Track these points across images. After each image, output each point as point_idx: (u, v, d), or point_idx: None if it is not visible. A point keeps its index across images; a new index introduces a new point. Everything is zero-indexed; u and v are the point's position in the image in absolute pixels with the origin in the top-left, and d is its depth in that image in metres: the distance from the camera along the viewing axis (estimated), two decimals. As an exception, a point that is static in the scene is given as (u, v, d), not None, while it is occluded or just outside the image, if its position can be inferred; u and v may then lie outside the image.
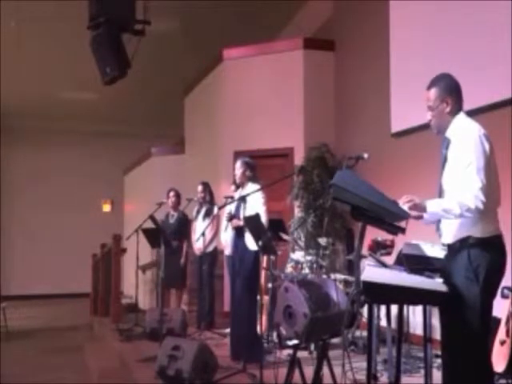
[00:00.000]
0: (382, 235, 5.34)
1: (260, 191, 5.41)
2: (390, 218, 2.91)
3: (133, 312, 8.61)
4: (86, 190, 15.33)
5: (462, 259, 2.89)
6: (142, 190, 12.44)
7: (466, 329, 2.86)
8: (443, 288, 2.89)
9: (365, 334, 5.86)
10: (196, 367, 4.61)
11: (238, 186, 5.82)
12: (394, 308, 3.81)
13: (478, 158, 2.86)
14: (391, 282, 2.89)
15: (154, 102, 13.19)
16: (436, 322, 3.25)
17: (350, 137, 8.24)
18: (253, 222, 4.91)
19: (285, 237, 6.48)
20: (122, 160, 14.39)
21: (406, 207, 2.90)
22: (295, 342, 3.84)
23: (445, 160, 3.03)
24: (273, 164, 8.38)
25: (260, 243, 4.77)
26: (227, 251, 7.15)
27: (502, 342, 4.28)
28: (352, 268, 6.40)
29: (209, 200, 7.59)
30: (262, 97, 8.78)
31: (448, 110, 3.05)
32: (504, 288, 4.11)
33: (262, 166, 7.78)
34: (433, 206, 2.90)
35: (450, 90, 3.05)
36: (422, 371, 4.38)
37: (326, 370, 3.79)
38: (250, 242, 5.26)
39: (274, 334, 6.07)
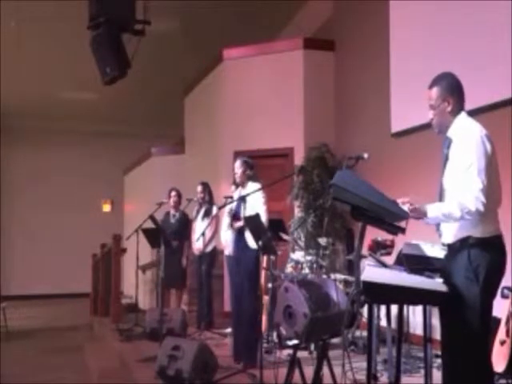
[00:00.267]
0: (382, 235, 5.34)
1: (260, 191, 5.41)
2: (390, 218, 2.91)
3: (133, 312, 8.61)
4: (86, 190, 15.34)
5: (462, 259, 2.89)
6: (142, 190, 12.44)
7: (466, 329, 2.86)
8: (443, 288, 2.89)
9: (365, 334, 5.86)
10: (196, 367, 4.61)
11: (237, 186, 5.82)
12: (394, 308, 3.81)
13: (479, 158, 2.85)
14: (391, 282, 2.89)
15: (154, 102, 13.19)
16: (436, 321, 3.25)
17: (350, 137, 8.24)
18: (253, 222, 4.91)
19: (285, 237, 6.48)
20: (122, 160, 14.39)
21: (405, 207, 2.90)
22: (295, 341, 3.84)
23: (446, 160, 3.03)
24: (273, 164, 8.38)
25: (260, 243, 4.77)
26: (227, 251, 7.16)
27: (502, 342, 4.28)
28: (352, 268, 6.40)
29: (208, 200, 7.59)
30: (262, 97, 8.78)
31: (449, 109, 3.04)
32: (504, 288, 4.11)
33: (262, 166, 7.78)
34: (433, 210, 2.89)
35: (452, 90, 3.05)
36: (422, 371, 4.38)
37: (326, 370, 3.79)
38: (251, 241, 5.25)
39: (274, 334, 6.08)
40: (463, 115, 3.06)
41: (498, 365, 4.16)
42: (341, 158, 7.40)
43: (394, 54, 7.09)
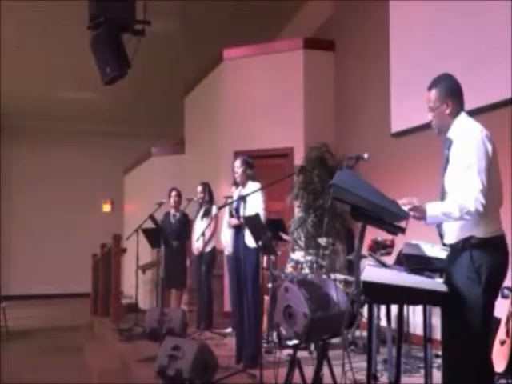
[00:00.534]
0: (382, 235, 5.34)
1: (260, 190, 5.41)
2: (390, 218, 2.91)
3: (133, 312, 8.61)
4: (86, 190, 15.34)
5: (465, 259, 2.88)
6: (142, 190, 12.44)
7: (467, 329, 2.86)
8: (443, 288, 2.89)
9: (365, 334, 5.86)
10: (196, 367, 4.61)
11: (237, 185, 5.82)
12: (394, 308, 3.81)
13: (479, 159, 2.85)
14: (391, 282, 2.89)
15: (154, 102, 13.19)
16: (436, 321, 3.25)
17: (350, 137, 8.23)
18: (253, 221, 4.91)
19: (285, 237, 6.49)
20: (122, 160, 14.39)
21: (406, 207, 2.90)
22: (295, 341, 3.84)
23: (447, 161, 3.03)
24: (273, 164, 8.38)
25: (260, 243, 4.77)
26: (227, 251, 7.17)
27: (502, 342, 4.28)
28: (352, 268, 6.41)
29: (208, 200, 7.59)
30: (262, 97, 8.78)
31: (448, 111, 3.04)
32: (504, 288, 4.11)
33: (262, 165, 7.78)
34: (433, 209, 2.89)
35: (451, 92, 3.05)
36: (422, 371, 4.38)
37: (326, 370, 3.79)
38: (251, 241, 5.24)
39: (274, 334, 6.08)
40: (463, 116, 3.06)
41: (498, 365, 4.16)
42: (341, 158, 7.41)
43: (394, 53, 7.09)
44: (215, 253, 7.64)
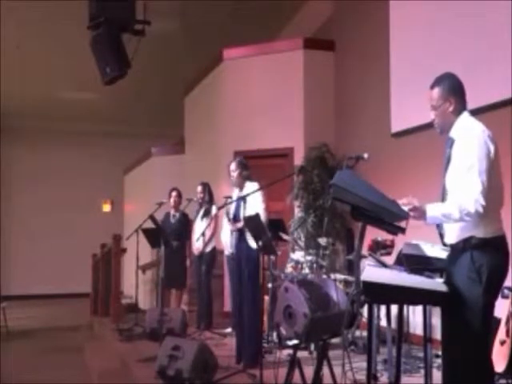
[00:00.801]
0: (382, 235, 5.34)
1: (259, 190, 5.40)
2: (390, 218, 2.91)
3: (133, 312, 8.61)
4: (86, 190, 15.34)
5: (465, 259, 2.88)
6: (142, 189, 12.44)
7: (467, 329, 2.85)
8: (443, 288, 2.89)
9: (365, 334, 5.86)
10: (196, 367, 4.61)
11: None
12: (394, 308, 3.81)
13: (480, 159, 2.85)
14: (391, 282, 2.89)
15: (154, 102, 13.19)
16: (436, 321, 3.25)
17: (350, 137, 8.23)
18: (253, 222, 4.91)
19: (285, 237, 6.49)
20: (122, 160, 14.39)
21: (405, 208, 2.90)
22: (295, 341, 3.84)
23: (448, 160, 3.02)
24: (273, 164, 8.38)
25: (260, 243, 4.77)
26: (227, 251, 7.16)
27: (502, 342, 4.28)
28: (352, 268, 6.40)
29: (208, 200, 7.59)
30: (262, 97, 8.78)
31: (451, 109, 3.04)
32: (504, 288, 4.11)
33: (262, 166, 7.80)
34: (432, 210, 2.89)
35: (454, 90, 3.04)
36: (422, 371, 4.38)
37: (326, 370, 3.79)
38: (252, 241, 5.24)
39: (274, 334, 6.08)
40: (466, 115, 3.05)
41: (498, 365, 4.16)
42: (341, 158, 7.40)
43: (394, 53, 7.09)
44: (215, 253, 7.64)
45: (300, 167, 7.19)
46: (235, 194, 5.81)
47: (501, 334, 4.33)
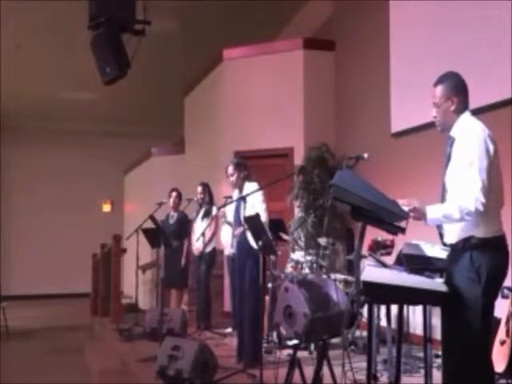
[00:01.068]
0: (382, 235, 5.34)
1: (259, 190, 5.39)
2: (390, 218, 2.91)
3: (133, 312, 8.61)
4: (86, 190, 15.34)
5: (465, 259, 2.88)
6: (142, 189, 12.44)
7: (467, 329, 2.86)
8: (443, 288, 2.89)
9: (365, 334, 5.86)
10: (196, 367, 4.60)
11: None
12: (394, 308, 3.81)
13: (480, 158, 2.85)
14: (391, 282, 2.89)
15: (154, 102, 13.19)
16: (436, 321, 3.25)
17: (350, 137, 8.23)
18: (253, 222, 4.91)
19: (285, 237, 6.49)
20: (122, 160, 14.39)
21: (406, 208, 2.90)
22: (295, 341, 3.84)
23: (448, 159, 3.02)
24: (273, 164, 8.38)
25: (260, 243, 4.77)
26: (227, 251, 7.16)
27: (502, 342, 4.28)
28: (352, 268, 6.40)
29: (208, 201, 7.59)
30: (262, 97, 8.78)
31: (453, 108, 3.04)
32: (504, 288, 4.11)
33: (262, 166, 7.81)
34: (433, 212, 2.89)
35: (457, 89, 3.04)
36: (422, 371, 4.37)
37: (326, 370, 3.79)
38: (252, 241, 5.23)
39: (274, 334, 6.08)
40: (467, 114, 3.05)
41: (498, 365, 4.16)
42: (341, 158, 7.40)
43: (394, 53, 7.09)
44: (215, 253, 7.64)
45: (300, 167, 7.19)
46: (235, 195, 5.81)
47: (501, 334, 4.33)
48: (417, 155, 6.65)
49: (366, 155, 4.05)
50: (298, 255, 6.48)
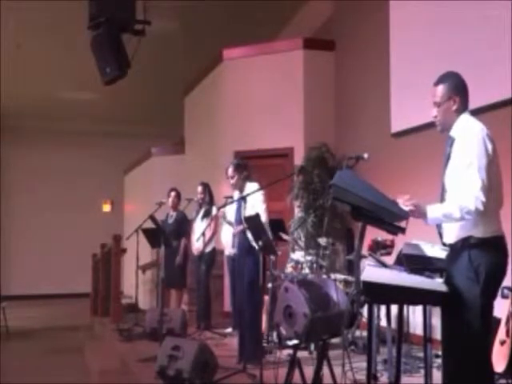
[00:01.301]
0: (382, 235, 5.34)
1: (260, 190, 5.39)
2: (390, 218, 2.91)
3: (133, 312, 8.61)
4: (86, 190, 15.34)
5: (463, 259, 2.88)
6: (142, 189, 12.44)
7: (467, 329, 2.86)
8: (443, 288, 2.89)
9: (365, 334, 5.86)
10: (196, 367, 4.60)
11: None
12: (394, 308, 3.81)
13: (479, 157, 2.85)
14: (391, 282, 2.89)
15: (154, 103, 13.19)
16: (436, 321, 3.25)
17: (350, 137, 8.23)
18: (253, 222, 4.91)
19: (285, 237, 6.49)
20: (122, 160, 14.39)
21: (406, 208, 2.89)
22: (295, 341, 3.84)
23: (448, 158, 3.03)
24: (273, 164, 8.38)
25: (260, 243, 4.77)
26: (227, 251, 7.16)
27: (502, 342, 4.28)
28: (352, 268, 6.40)
29: (208, 201, 7.59)
30: (262, 97, 8.78)
31: (454, 108, 3.04)
32: (504, 288, 4.11)
33: (262, 166, 7.80)
34: (433, 211, 2.89)
35: (458, 89, 3.05)
36: (422, 371, 4.37)
37: (326, 370, 3.79)
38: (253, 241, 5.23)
39: (274, 334, 6.08)
40: (466, 115, 3.05)
41: (498, 365, 4.16)
42: (341, 158, 7.40)
43: (394, 53, 7.09)
44: (215, 253, 7.64)
45: (300, 167, 7.19)
46: (236, 195, 5.81)
47: (501, 334, 4.33)
48: (417, 155, 6.65)
49: (365, 155, 4.05)
50: (297, 255, 6.48)
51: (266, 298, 6.46)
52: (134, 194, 13.72)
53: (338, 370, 3.65)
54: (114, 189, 15.28)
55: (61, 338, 8.66)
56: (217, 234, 7.56)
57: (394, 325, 3.97)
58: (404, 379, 4.28)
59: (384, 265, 3.09)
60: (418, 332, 5.57)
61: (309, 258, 6.27)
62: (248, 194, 5.23)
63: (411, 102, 6.53)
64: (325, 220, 7.24)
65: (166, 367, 4.73)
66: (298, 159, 8.23)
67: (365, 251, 4.97)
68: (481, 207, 2.79)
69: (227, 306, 8.35)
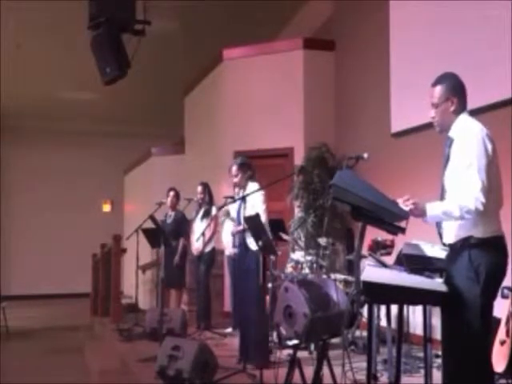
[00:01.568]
0: (382, 235, 5.34)
1: (260, 190, 5.39)
2: (390, 218, 2.91)
3: (133, 312, 8.61)
4: (86, 190, 15.34)
5: (463, 259, 2.88)
6: (142, 189, 12.44)
7: (467, 329, 2.86)
8: (443, 288, 2.89)
9: (365, 334, 5.86)
10: (196, 367, 4.60)
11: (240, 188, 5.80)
12: (394, 308, 3.81)
13: (479, 158, 2.85)
14: (391, 282, 2.89)
15: (154, 102, 13.19)
16: (436, 321, 3.25)
17: (350, 137, 8.23)
18: (253, 222, 4.91)
19: (285, 237, 6.49)
20: (122, 160, 14.39)
21: (406, 207, 2.90)
22: (295, 341, 3.84)
23: (447, 159, 3.03)
24: (273, 164, 8.38)
25: (260, 243, 4.77)
26: (228, 251, 7.17)
27: (502, 342, 4.28)
28: (352, 268, 6.40)
29: (208, 201, 7.58)
30: (262, 97, 8.78)
31: (452, 108, 3.04)
32: (504, 288, 4.11)
33: (262, 165, 7.77)
34: (433, 209, 2.89)
35: (456, 90, 3.05)
36: (422, 371, 4.37)
37: (326, 370, 3.79)
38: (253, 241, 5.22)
39: (274, 334, 6.08)
40: (465, 115, 3.05)
41: (498, 365, 4.16)
42: (341, 158, 7.40)
43: (394, 53, 7.09)
44: (215, 253, 7.64)
45: (300, 167, 7.19)
46: (236, 194, 5.80)
47: (501, 334, 4.33)
48: (417, 155, 6.65)
49: (365, 155, 4.05)
50: (297, 255, 6.48)
51: (267, 297, 6.46)
52: (134, 194, 13.72)
53: (338, 370, 3.65)
54: (114, 189, 15.28)
55: (61, 338, 8.66)
56: (216, 233, 7.56)
57: (394, 325, 3.97)
58: (404, 379, 4.28)
59: (384, 265, 3.09)
60: (418, 332, 5.57)
61: (309, 257, 6.27)
62: (248, 194, 5.23)
63: (411, 102, 6.53)
64: (325, 220, 7.24)
65: (165, 367, 4.73)
66: (298, 159, 8.23)
67: (365, 251, 4.97)
68: (481, 208, 2.79)
69: (227, 306, 8.35)
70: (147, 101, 13.21)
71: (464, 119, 3.04)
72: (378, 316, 5.33)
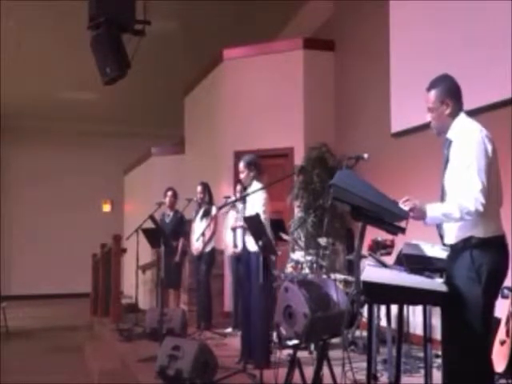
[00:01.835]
0: (382, 235, 5.34)
1: (262, 189, 5.39)
2: (390, 218, 2.91)
3: (133, 312, 8.61)
4: (86, 190, 15.33)
5: (465, 259, 2.88)
6: (142, 189, 12.44)
7: (467, 329, 2.86)
8: (443, 288, 2.89)
9: (365, 334, 5.86)
10: (196, 367, 4.60)
11: (245, 188, 5.81)
12: (394, 308, 3.81)
13: (478, 159, 2.85)
14: (391, 282, 2.89)
15: (154, 102, 13.19)
16: (436, 322, 3.25)
17: (350, 137, 8.24)
18: (253, 222, 4.91)
19: (285, 237, 6.48)
20: (122, 160, 14.39)
21: (406, 208, 2.90)
22: (295, 341, 3.84)
23: (446, 161, 3.03)
24: (273, 164, 8.37)
25: (260, 243, 4.77)
26: (230, 251, 7.17)
27: (502, 342, 4.28)
28: (352, 268, 6.40)
29: (207, 201, 7.58)
30: (262, 97, 8.78)
31: (448, 111, 3.04)
32: (504, 288, 4.11)
33: (262, 165, 7.78)
34: (433, 210, 2.89)
35: (450, 92, 3.05)
36: (422, 371, 4.37)
37: (326, 370, 3.79)
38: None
39: (274, 334, 6.08)
40: (462, 116, 3.06)
41: (498, 365, 4.16)
42: (341, 158, 7.40)
43: (394, 53, 7.09)
44: (215, 253, 7.64)
45: (300, 167, 7.19)
46: (241, 192, 5.80)
47: (501, 334, 4.33)
48: (417, 155, 6.65)
49: (365, 155, 4.05)
50: (298, 255, 6.47)
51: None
52: (134, 194, 13.72)
53: (338, 370, 3.65)
54: (114, 189, 15.28)
55: (61, 338, 8.66)
56: (216, 233, 7.56)
57: (394, 325, 3.97)
58: (404, 379, 4.28)
59: (384, 265, 3.09)
60: (418, 332, 5.57)
61: (309, 257, 6.27)
62: (247, 194, 5.23)
63: (411, 102, 6.53)
64: (325, 220, 7.23)
65: (166, 367, 4.73)
66: (298, 159, 8.23)
67: (365, 251, 4.97)
68: (481, 209, 2.79)
69: (227, 305, 8.35)
70: (147, 101, 13.21)
71: (462, 120, 3.04)
72: (378, 316, 5.33)
